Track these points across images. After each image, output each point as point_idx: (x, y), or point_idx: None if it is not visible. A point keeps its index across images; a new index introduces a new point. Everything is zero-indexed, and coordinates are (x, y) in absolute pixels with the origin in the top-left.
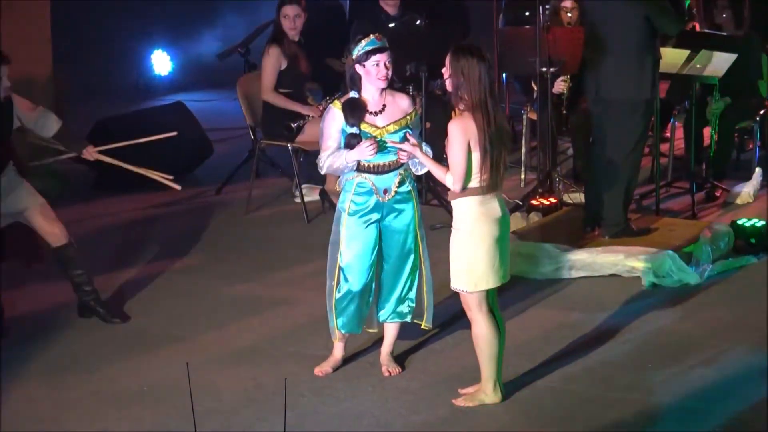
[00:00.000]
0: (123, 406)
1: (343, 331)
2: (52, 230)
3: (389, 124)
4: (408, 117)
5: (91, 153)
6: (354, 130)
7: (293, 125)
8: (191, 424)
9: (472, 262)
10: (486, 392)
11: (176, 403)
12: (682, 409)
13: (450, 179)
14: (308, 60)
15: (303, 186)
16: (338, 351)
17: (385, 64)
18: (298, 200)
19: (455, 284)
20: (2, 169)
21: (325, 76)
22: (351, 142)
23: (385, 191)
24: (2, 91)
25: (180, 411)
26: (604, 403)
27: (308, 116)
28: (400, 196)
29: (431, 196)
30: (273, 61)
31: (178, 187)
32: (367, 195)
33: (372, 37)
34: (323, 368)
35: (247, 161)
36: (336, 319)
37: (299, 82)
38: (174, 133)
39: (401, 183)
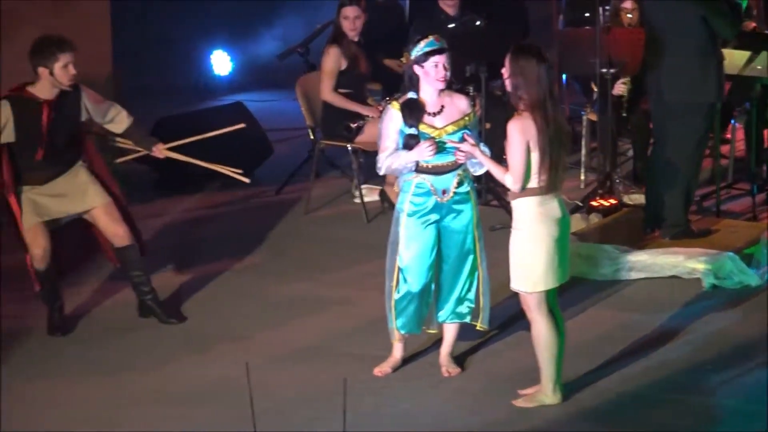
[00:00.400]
0: (180, 405)
1: (402, 332)
2: (116, 231)
3: (448, 124)
4: (466, 118)
5: (160, 150)
6: (412, 130)
7: (353, 125)
8: (249, 423)
9: (532, 263)
10: (546, 393)
11: (234, 402)
12: (742, 410)
13: (509, 179)
14: (368, 60)
15: (363, 186)
16: (398, 351)
17: (443, 66)
18: (357, 200)
19: (515, 285)
20: (72, 163)
21: (384, 77)
22: (409, 142)
23: (444, 192)
24: (67, 78)
25: (237, 411)
26: (663, 404)
27: (368, 117)
28: (459, 196)
29: (491, 197)
30: (333, 62)
31: (247, 180)
32: (425, 196)
33: (431, 38)
34: (383, 368)
35: (306, 161)
36: (395, 319)
37: (359, 83)
38: (242, 125)
39: (460, 184)
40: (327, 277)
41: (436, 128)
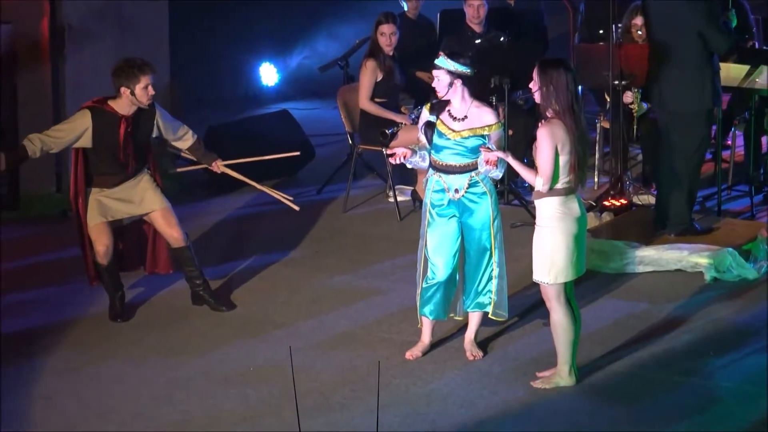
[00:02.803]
0: (231, 385)
1: (430, 318)
2: (171, 233)
3: (465, 130)
4: (487, 128)
5: (218, 166)
6: (432, 118)
7: (387, 132)
8: (292, 402)
9: (554, 257)
10: (561, 375)
11: (279, 382)
12: (740, 392)
13: (540, 181)
14: (401, 72)
15: (396, 187)
16: (426, 336)
17: (439, 79)
18: (391, 200)
19: (538, 276)
20: (139, 170)
21: (416, 87)
22: (426, 130)
23: (456, 191)
24: (147, 98)
25: (282, 390)
26: (668, 386)
27: (401, 123)
28: (473, 196)
29: (512, 197)
30: (370, 74)
31: (296, 207)
32: (442, 192)
33: (440, 54)
34: (413, 352)
35: (345, 164)
36: (423, 306)
37: (393, 93)
38: (297, 153)
39: (473, 184)
40: (363, 269)
41: (453, 131)
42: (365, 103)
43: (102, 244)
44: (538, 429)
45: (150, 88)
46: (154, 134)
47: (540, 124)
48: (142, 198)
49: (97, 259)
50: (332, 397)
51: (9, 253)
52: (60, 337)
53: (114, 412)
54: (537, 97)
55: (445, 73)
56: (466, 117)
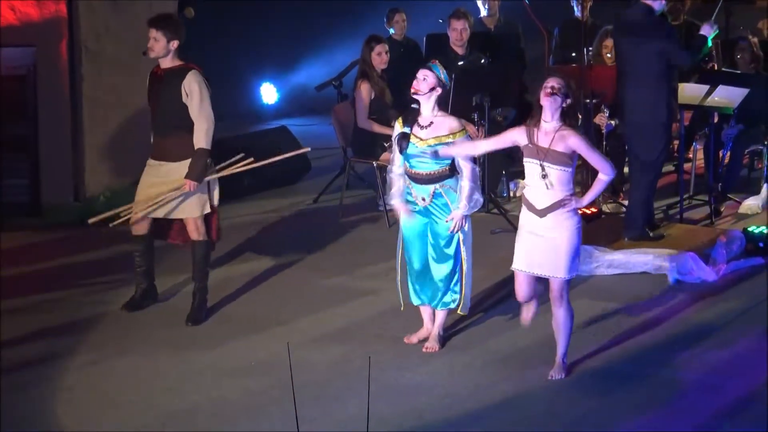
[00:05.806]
0: (235, 377)
1: (415, 303)
2: (191, 231)
3: (431, 138)
4: (452, 135)
5: (190, 185)
6: (406, 129)
7: (386, 144)
8: (291, 393)
9: (576, 253)
10: (557, 369)
11: (279, 375)
12: (703, 382)
13: (609, 175)
14: (391, 91)
15: (385, 197)
16: (427, 322)
17: (423, 77)
18: (381, 208)
19: (572, 273)
20: (177, 148)
21: (405, 105)
22: (401, 141)
23: (423, 199)
24: (149, 48)
25: (282, 382)
26: (638, 378)
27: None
28: (437, 206)
29: (492, 206)
30: (365, 95)
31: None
32: (411, 197)
33: (435, 62)
34: (410, 339)
35: (339, 176)
36: (410, 296)
37: (384, 110)
38: (307, 149)
39: (436, 196)
40: (356, 271)
41: (420, 139)
42: (364, 122)
43: (139, 224)
44: (517, 416)
45: (152, 41)
46: (184, 97)
47: (571, 131)
48: (191, 205)
49: (133, 231)
50: (328, 388)
51: (32, 257)
52: (79, 334)
53: (128, 402)
54: (560, 108)
55: (433, 77)
56: (431, 124)
